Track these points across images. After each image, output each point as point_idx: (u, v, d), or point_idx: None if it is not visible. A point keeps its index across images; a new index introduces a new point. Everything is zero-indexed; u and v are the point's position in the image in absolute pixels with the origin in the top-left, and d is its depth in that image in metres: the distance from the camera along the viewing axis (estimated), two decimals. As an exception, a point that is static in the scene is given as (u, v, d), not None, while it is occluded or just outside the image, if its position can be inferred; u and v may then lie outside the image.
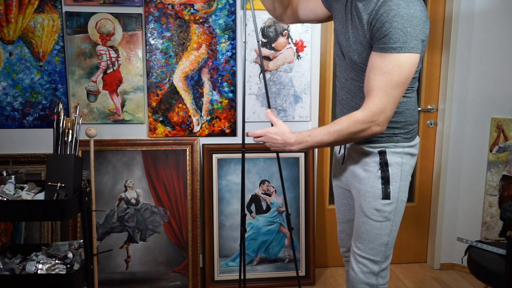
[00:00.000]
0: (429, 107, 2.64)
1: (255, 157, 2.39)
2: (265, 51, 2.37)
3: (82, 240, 1.89)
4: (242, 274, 1.87)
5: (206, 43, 2.31)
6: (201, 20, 2.29)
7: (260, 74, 2.39)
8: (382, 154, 1.36)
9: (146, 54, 2.28)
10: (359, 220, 1.43)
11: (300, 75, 2.40)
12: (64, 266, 1.76)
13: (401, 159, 1.37)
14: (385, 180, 1.36)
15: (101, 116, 2.30)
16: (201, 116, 2.38)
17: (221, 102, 2.38)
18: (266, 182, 2.42)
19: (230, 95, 2.38)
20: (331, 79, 2.55)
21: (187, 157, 2.33)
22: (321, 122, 2.53)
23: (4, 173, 1.87)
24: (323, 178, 2.64)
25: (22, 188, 1.75)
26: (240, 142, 2.38)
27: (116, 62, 2.27)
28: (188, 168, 2.33)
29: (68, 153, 1.74)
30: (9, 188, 1.72)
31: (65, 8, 2.20)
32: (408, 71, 1.23)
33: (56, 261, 1.77)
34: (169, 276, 2.30)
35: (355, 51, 1.33)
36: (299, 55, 2.39)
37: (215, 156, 2.37)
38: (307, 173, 2.43)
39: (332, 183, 1.67)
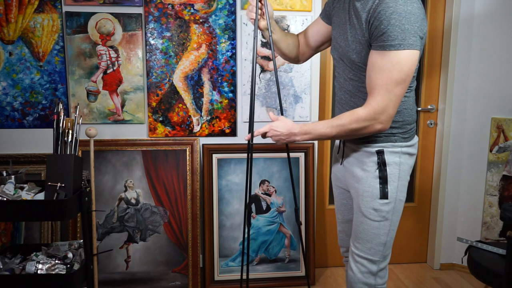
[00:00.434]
0: (429, 107, 2.64)
1: (255, 157, 2.39)
2: (265, 51, 2.37)
3: (82, 240, 1.89)
4: (244, 273, 1.87)
5: (206, 43, 2.31)
6: (201, 20, 2.29)
7: (260, 74, 2.39)
8: (380, 153, 1.36)
9: (146, 54, 2.28)
10: (357, 220, 1.43)
11: (300, 75, 2.40)
12: (64, 266, 1.76)
13: (399, 159, 1.37)
14: (383, 180, 1.36)
15: (101, 116, 2.30)
16: (201, 116, 2.38)
17: (221, 102, 2.38)
18: (266, 182, 2.42)
19: (230, 95, 2.37)
20: (331, 79, 2.55)
21: (187, 157, 2.33)
22: (321, 122, 2.52)
23: (4, 173, 1.86)
24: (323, 178, 2.64)
25: (22, 188, 1.75)
26: (240, 142, 2.39)
27: (116, 62, 2.27)
28: (188, 168, 2.33)
29: (68, 153, 1.74)
30: (9, 188, 1.72)
31: (65, 8, 2.20)
32: (408, 68, 1.22)
33: (56, 261, 1.77)
34: (169, 276, 2.30)
35: (354, 50, 1.33)
36: (299, 55, 2.39)
37: (215, 156, 2.37)
38: (307, 173, 2.43)
39: (332, 183, 1.67)
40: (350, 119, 1.27)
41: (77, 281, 1.72)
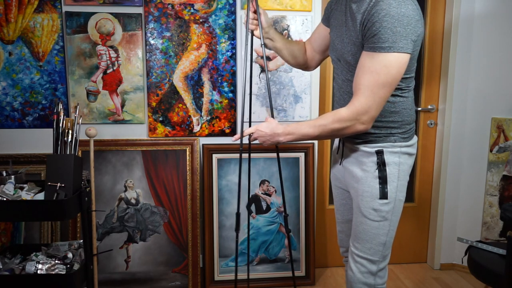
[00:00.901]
0: (429, 107, 2.64)
1: (255, 157, 2.39)
2: (265, 51, 2.36)
3: (82, 240, 1.88)
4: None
5: (206, 43, 2.31)
6: (201, 20, 2.29)
7: (260, 74, 2.39)
8: (380, 154, 1.36)
9: (146, 54, 2.27)
10: (357, 220, 1.43)
11: (300, 75, 2.40)
12: (64, 266, 1.76)
13: (399, 159, 1.38)
14: (383, 180, 1.36)
15: (101, 116, 2.30)
16: (201, 116, 2.38)
17: (221, 102, 2.38)
18: (266, 182, 2.42)
19: (230, 95, 2.37)
20: (331, 79, 2.55)
21: (187, 157, 2.33)
22: (321, 122, 2.52)
23: (4, 173, 1.86)
24: (323, 178, 2.64)
25: (22, 188, 1.75)
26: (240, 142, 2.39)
27: (116, 62, 2.27)
28: (188, 168, 2.33)
29: (68, 153, 1.74)
30: (9, 188, 1.72)
31: (65, 8, 2.20)
32: (396, 71, 1.23)
33: (56, 261, 1.77)
34: (169, 276, 2.29)
35: (349, 52, 1.35)
36: (299, 55, 2.38)
37: (215, 156, 2.37)
38: (307, 173, 2.43)
39: (331, 183, 1.67)
40: (332, 118, 1.29)
41: (77, 281, 1.72)
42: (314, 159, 2.47)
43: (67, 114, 2.26)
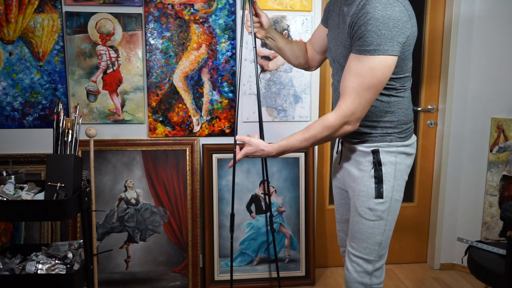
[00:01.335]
0: (429, 107, 2.64)
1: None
2: (265, 51, 2.37)
3: (82, 240, 1.88)
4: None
5: (206, 43, 2.31)
6: (201, 20, 2.29)
7: (260, 73, 2.39)
8: (375, 153, 1.37)
9: (146, 54, 2.28)
10: (353, 220, 1.44)
11: (300, 75, 2.40)
12: (64, 266, 1.76)
13: (395, 158, 1.38)
14: (378, 179, 1.37)
15: (101, 116, 2.30)
16: (201, 116, 2.38)
17: (221, 102, 2.38)
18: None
19: (230, 95, 2.37)
20: (330, 79, 2.54)
21: (187, 157, 2.33)
22: (321, 122, 2.52)
23: (4, 173, 1.86)
24: (323, 178, 2.64)
25: (22, 188, 1.75)
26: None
27: (116, 62, 2.27)
28: (188, 168, 2.33)
29: (68, 153, 1.74)
30: (9, 188, 1.72)
31: (65, 8, 2.20)
32: (381, 74, 1.23)
33: (56, 261, 1.77)
34: (169, 276, 2.29)
35: (341, 54, 1.37)
36: (299, 55, 2.38)
37: (215, 156, 2.37)
38: (307, 173, 2.43)
39: (332, 183, 1.68)
40: (321, 127, 1.31)
41: (77, 281, 1.72)
42: (314, 159, 2.47)
43: (67, 114, 2.26)
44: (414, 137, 1.46)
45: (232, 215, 2.00)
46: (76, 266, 1.77)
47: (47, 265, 1.74)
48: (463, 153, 2.60)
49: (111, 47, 2.25)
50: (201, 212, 2.38)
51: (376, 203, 1.38)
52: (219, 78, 2.35)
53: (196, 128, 2.38)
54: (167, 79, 2.32)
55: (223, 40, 2.32)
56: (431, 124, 2.66)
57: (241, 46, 1.81)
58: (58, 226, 2.26)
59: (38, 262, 1.74)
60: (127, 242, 2.28)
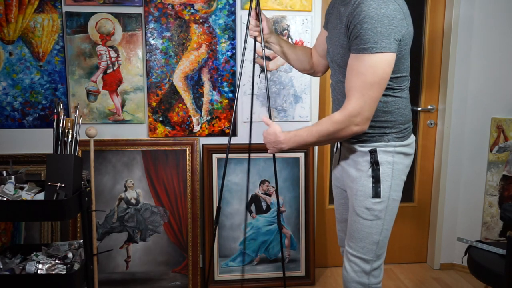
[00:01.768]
0: (429, 107, 2.64)
1: (255, 157, 2.39)
2: (265, 51, 2.36)
3: (82, 240, 1.88)
4: (241, 274, 1.87)
5: (206, 43, 2.31)
6: (201, 20, 2.29)
7: (260, 74, 2.39)
8: (373, 153, 1.38)
9: (146, 54, 2.28)
10: (351, 219, 1.45)
11: (300, 75, 2.40)
12: (64, 266, 1.76)
13: (393, 158, 1.38)
14: (376, 179, 1.37)
15: (101, 116, 2.30)
16: (201, 116, 2.38)
17: (221, 102, 2.38)
18: (266, 182, 2.42)
19: (230, 95, 2.37)
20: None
21: (187, 157, 2.33)
22: (321, 122, 2.52)
23: (4, 173, 1.86)
24: (323, 178, 2.64)
25: (22, 188, 1.75)
26: (240, 142, 2.39)
27: (116, 62, 2.27)
28: (188, 168, 2.33)
29: (68, 153, 1.74)
30: (9, 188, 1.72)
31: (65, 8, 2.20)
32: (382, 70, 1.24)
33: (56, 261, 1.77)
34: (169, 276, 2.30)
35: (338, 54, 1.38)
36: (299, 55, 2.38)
37: (215, 156, 2.37)
38: (307, 173, 2.43)
39: (332, 183, 1.68)
40: (326, 123, 1.32)
41: (77, 281, 1.72)
42: (314, 159, 2.47)
43: (67, 114, 2.26)
44: (412, 137, 1.46)
45: (219, 208, 2.03)
46: (76, 266, 1.77)
47: (47, 265, 1.74)
48: (463, 153, 2.60)
49: (111, 47, 2.25)
50: (201, 212, 2.38)
51: (374, 202, 1.38)
52: (219, 78, 2.35)
53: (196, 128, 2.38)
54: (167, 79, 2.32)
55: (223, 40, 2.32)
56: (431, 124, 2.66)
57: (244, 48, 1.80)
58: (58, 226, 2.26)
59: (38, 262, 1.74)
60: (127, 242, 2.29)
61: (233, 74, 2.36)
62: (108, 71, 2.27)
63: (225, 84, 2.36)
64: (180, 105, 2.35)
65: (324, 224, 2.67)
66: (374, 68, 1.23)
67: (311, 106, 2.45)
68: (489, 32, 2.45)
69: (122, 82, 2.28)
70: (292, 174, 2.43)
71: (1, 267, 1.76)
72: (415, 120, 2.64)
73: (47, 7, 2.18)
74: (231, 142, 2.40)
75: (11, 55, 2.20)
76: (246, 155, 2.36)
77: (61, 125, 1.74)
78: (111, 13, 2.22)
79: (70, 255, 1.80)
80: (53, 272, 1.73)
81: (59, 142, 1.75)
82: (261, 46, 1.72)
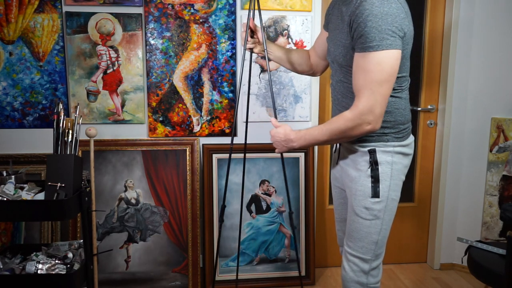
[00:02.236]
0: (429, 107, 2.64)
1: (255, 157, 2.39)
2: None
3: (82, 240, 1.88)
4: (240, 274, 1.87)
5: (206, 43, 2.31)
6: (201, 20, 2.29)
7: (260, 74, 2.39)
8: (372, 153, 1.38)
9: (146, 54, 2.28)
10: (350, 219, 1.45)
11: (300, 75, 2.40)
12: (64, 266, 1.76)
13: (392, 158, 1.39)
14: (375, 179, 1.37)
15: (101, 116, 2.30)
16: (201, 116, 2.38)
17: (221, 102, 2.38)
18: (266, 182, 2.42)
19: (230, 95, 2.38)
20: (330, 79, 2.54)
21: (187, 157, 2.33)
22: (321, 122, 2.52)
23: (4, 173, 1.86)
24: (323, 178, 2.64)
25: (22, 188, 1.75)
26: (240, 142, 2.39)
27: (116, 62, 2.27)
28: (188, 168, 2.33)
29: (68, 153, 1.74)
30: (9, 188, 1.72)
31: (65, 8, 2.20)
32: (390, 67, 1.24)
33: (56, 261, 1.77)
34: (169, 276, 2.30)
35: (340, 54, 1.38)
36: (299, 55, 2.38)
37: (215, 156, 2.37)
38: (307, 173, 2.43)
39: (331, 183, 1.68)
40: (338, 122, 1.31)
41: (77, 281, 1.72)
42: (314, 159, 2.47)
43: (67, 114, 2.26)
44: (411, 138, 1.47)
45: (223, 206, 2.02)
46: (76, 266, 1.77)
47: (47, 265, 1.74)
48: (463, 153, 2.60)
49: (111, 47, 2.25)
50: (201, 212, 2.38)
51: (373, 202, 1.38)
52: (219, 78, 2.35)
53: (196, 128, 2.38)
54: (167, 79, 2.32)
55: (223, 40, 2.32)
56: (431, 124, 2.66)
57: (244, 49, 1.80)
58: (58, 226, 2.26)
59: (38, 262, 1.74)
60: (127, 242, 2.29)
61: (233, 74, 2.36)
62: (108, 71, 2.27)
63: (225, 84, 2.36)
64: (180, 105, 2.35)
65: (324, 224, 2.67)
66: (382, 65, 1.23)
67: (311, 106, 2.45)
68: (489, 32, 2.45)
69: (122, 82, 2.28)
70: (292, 174, 2.43)
71: (1, 267, 1.76)
72: (415, 120, 2.64)
73: (47, 7, 2.18)
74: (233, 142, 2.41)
75: (11, 55, 2.20)
76: (246, 155, 2.36)
77: (61, 125, 1.74)
78: (111, 13, 2.22)
79: (70, 255, 1.81)
80: (53, 272, 1.73)
81: (59, 142, 1.75)
82: (263, 45, 1.75)
